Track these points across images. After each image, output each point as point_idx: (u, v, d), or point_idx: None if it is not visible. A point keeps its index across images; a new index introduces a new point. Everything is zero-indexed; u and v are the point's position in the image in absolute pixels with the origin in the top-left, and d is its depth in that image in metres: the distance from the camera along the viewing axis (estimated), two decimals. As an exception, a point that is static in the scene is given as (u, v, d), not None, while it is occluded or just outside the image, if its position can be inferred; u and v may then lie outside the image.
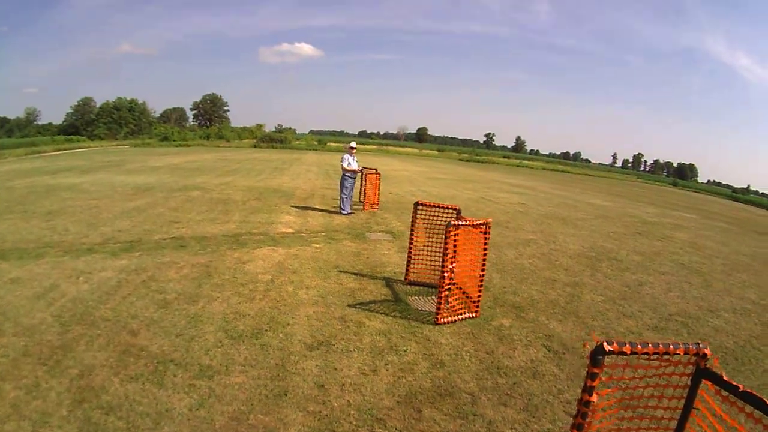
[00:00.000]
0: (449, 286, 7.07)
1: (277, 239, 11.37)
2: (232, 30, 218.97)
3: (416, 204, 8.37)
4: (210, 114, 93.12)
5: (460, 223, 6.77)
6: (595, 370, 3.02)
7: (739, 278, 11.45)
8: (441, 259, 7.79)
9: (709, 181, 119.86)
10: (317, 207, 16.45)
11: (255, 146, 65.27)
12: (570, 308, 7.92)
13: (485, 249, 7.03)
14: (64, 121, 78.42)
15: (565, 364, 5.82)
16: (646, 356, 3.02)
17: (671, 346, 2.94)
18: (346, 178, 14.98)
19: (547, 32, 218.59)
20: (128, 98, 78.20)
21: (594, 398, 3.10)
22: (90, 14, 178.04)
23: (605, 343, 2.92)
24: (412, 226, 8.48)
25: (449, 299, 7.17)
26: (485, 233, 7.03)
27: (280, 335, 6.14)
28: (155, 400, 4.60)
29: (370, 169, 17.08)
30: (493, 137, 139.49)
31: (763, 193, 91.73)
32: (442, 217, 8.35)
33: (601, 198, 31.18)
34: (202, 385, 4.92)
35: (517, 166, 76.73)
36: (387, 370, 5.40)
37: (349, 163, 14.81)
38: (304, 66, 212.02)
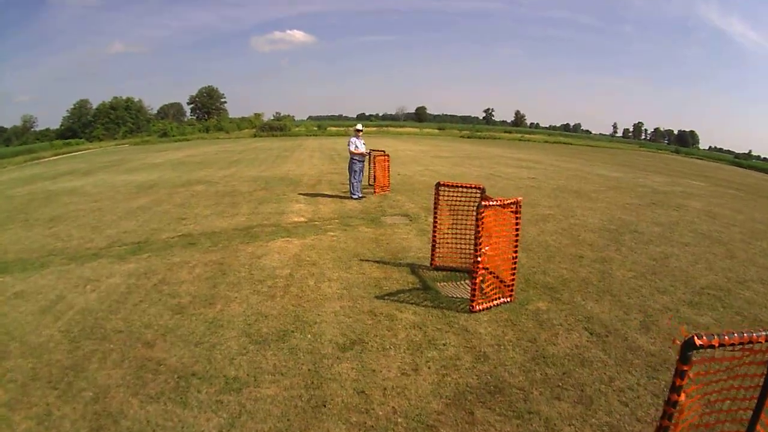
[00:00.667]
0: (483, 271, 6.62)
1: (290, 230, 10.89)
2: (221, 22, 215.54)
3: (438, 184, 7.84)
4: (207, 107, 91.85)
5: (490, 203, 6.29)
6: (685, 368, 2.80)
7: (760, 247, 10.92)
8: (468, 243, 7.55)
9: (710, 147, 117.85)
10: (327, 193, 15.97)
11: (255, 136, 64.47)
12: (603, 286, 7.56)
13: (517, 230, 6.61)
14: (61, 125, 77.39)
15: (610, 348, 5.50)
16: (731, 347, 2.81)
17: (754, 335, 2.76)
18: (354, 161, 14.41)
19: (539, 5, 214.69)
20: (124, 97, 77.58)
21: (682, 397, 2.91)
22: (77, 16, 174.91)
23: (695, 337, 2.70)
24: (435, 208, 7.96)
25: (482, 285, 6.74)
26: (516, 213, 6.62)
27: (309, 336, 5.73)
28: (180, 422, 4.14)
29: (379, 150, 16.49)
30: (493, 112, 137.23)
31: (765, 158, 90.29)
32: (466, 197, 7.90)
33: (608, 169, 30.36)
34: (231, 400, 4.47)
35: (519, 140, 75.45)
36: (429, 368, 5.01)
37: (356, 147, 14.21)
38: (298, 53, 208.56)
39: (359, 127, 14.97)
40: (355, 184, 14.70)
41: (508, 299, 6.69)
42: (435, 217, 8.01)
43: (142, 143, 57.45)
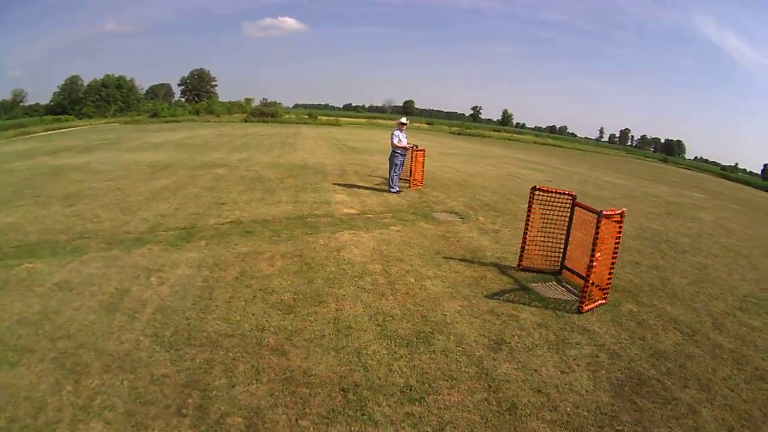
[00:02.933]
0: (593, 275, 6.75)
1: (348, 222, 10.32)
2: (214, 5, 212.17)
3: (533, 189, 7.88)
4: (198, 89, 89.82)
5: (609, 213, 6.62)
6: None
7: (776, 260, 11.46)
8: (553, 245, 7.99)
9: (696, 157, 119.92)
10: (360, 184, 15.33)
11: (246, 120, 62.79)
12: (669, 291, 7.88)
13: (618, 237, 6.96)
14: (51, 101, 74.34)
15: (702, 345, 5.95)
16: None
17: None
18: (397, 155, 13.87)
19: (535, 6, 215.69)
20: (116, 75, 75.27)
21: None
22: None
23: None
24: (529, 210, 7.87)
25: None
26: (620, 223, 6.90)
27: (451, 337, 5.45)
28: None
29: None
30: (480, 110, 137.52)
31: (751, 172, 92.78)
32: (556, 202, 8.01)
33: (612, 175, 30.60)
34: (420, 412, 4.07)
35: (509, 139, 75.63)
36: (579, 365, 5.14)
37: (400, 140, 13.69)
38: (288, 40, 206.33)
39: (404, 120, 14.39)
40: (394, 177, 14.17)
41: (603, 301, 6.94)
42: (528, 219, 7.94)
43: (133, 122, 55.71)
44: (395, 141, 13.68)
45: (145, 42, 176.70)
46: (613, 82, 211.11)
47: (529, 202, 7.85)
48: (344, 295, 6.38)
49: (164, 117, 61.79)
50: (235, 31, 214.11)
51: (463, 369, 4.81)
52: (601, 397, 4.54)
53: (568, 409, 4.31)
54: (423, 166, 15.82)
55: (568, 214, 7.82)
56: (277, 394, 4.16)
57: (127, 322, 5.29)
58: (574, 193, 7.84)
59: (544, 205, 7.96)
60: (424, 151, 15.78)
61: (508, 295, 6.88)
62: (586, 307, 6.53)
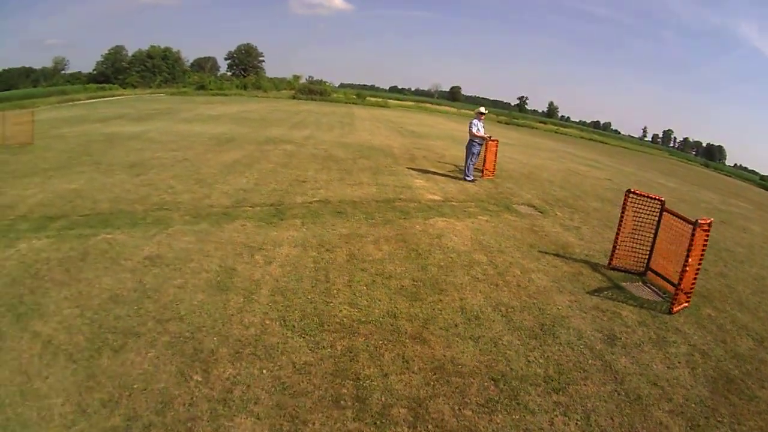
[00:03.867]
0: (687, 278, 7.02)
1: (436, 208, 10.39)
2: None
3: (628, 191, 8.14)
4: (245, 64, 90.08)
5: (703, 222, 6.77)
6: None
7: (824, 276, 11.24)
8: (640, 247, 8.07)
9: (735, 164, 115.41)
10: (433, 170, 15.39)
11: (294, 97, 63.15)
12: (736, 299, 7.92)
13: (705, 245, 7.10)
14: (94, 70, 73.02)
15: None
16: None
17: None
18: (474, 144, 13.99)
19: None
20: (162, 46, 76.04)
21: None
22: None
23: None
24: (623, 212, 8.02)
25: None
26: (707, 231, 7.02)
27: (571, 331, 5.66)
28: (541, 430, 3.89)
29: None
30: (527, 100, 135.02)
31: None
32: (644, 205, 8.15)
33: (661, 177, 29.63)
34: (565, 401, 4.31)
35: (555, 132, 74.09)
36: (679, 362, 5.36)
37: (478, 129, 13.81)
38: (335, 19, 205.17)
39: (482, 110, 14.55)
40: (470, 166, 14.25)
41: (686, 304, 7.16)
42: (621, 220, 8.13)
43: (179, 94, 56.75)
44: (474, 130, 13.77)
45: (188, 15, 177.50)
46: (658, 81, 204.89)
47: (624, 204, 8.02)
48: (461, 284, 6.50)
49: (211, 90, 62.60)
50: (280, 7, 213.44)
51: (589, 361, 5.03)
52: (702, 392, 4.84)
53: (680, 400, 4.61)
54: (495, 157, 15.84)
55: (656, 218, 7.92)
56: (432, 383, 4.18)
57: (245, 303, 5.12)
58: (663, 199, 7.93)
59: (633, 208, 8.12)
60: (497, 141, 15.79)
61: (606, 292, 7.02)
62: (675, 309, 6.80)
